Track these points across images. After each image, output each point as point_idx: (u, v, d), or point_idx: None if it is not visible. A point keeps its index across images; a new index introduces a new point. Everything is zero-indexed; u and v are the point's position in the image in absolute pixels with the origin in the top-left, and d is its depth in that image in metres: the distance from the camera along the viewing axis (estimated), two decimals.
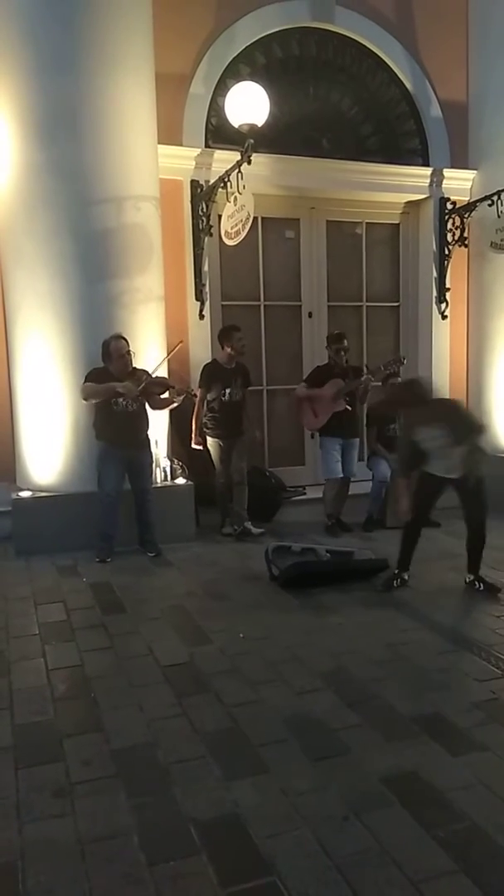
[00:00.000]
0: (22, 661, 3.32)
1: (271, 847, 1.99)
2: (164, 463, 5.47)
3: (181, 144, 5.86)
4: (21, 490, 5.31)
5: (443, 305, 6.87)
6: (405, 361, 5.97)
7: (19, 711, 2.82)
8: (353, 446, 5.82)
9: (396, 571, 4.38)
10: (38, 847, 2.03)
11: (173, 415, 5.57)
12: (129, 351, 4.90)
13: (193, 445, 5.64)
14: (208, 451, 5.65)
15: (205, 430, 5.61)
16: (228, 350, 5.49)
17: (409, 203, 6.88)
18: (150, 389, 4.94)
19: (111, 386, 4.79)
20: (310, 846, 2.00)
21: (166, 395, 5.08)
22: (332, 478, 5.72)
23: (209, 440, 5.61)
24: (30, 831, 2.09)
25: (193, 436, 5.62)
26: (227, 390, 5.48)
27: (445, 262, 6.80)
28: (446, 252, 6.78)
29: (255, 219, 5.35)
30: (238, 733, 2.62)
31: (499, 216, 6.10)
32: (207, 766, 2.41)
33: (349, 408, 5.62)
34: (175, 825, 2.10)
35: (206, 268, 6.01)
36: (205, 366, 5.65)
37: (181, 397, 5.15)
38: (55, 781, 2.33)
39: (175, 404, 5.17)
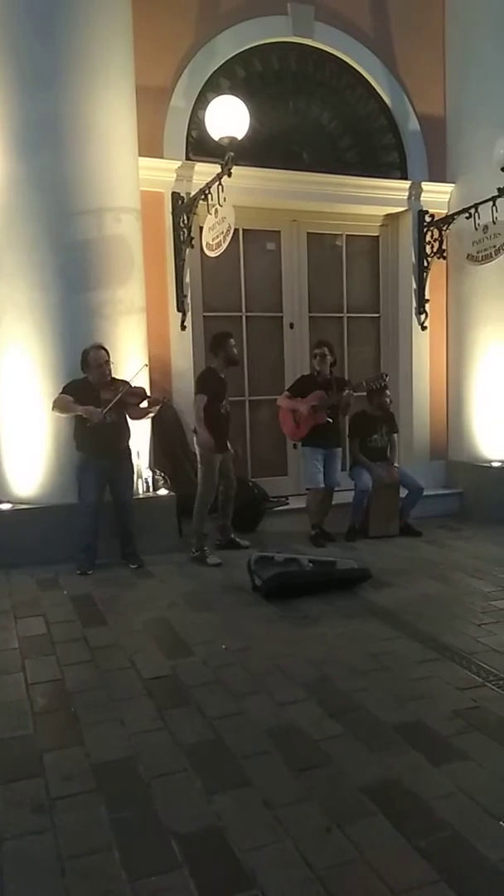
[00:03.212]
0: (1, 675, 3.28)
1: (253, 860, 1.98)
2: (147, 474, 5.46)
3: (162, 157, 5.88)
4: (1, 502, 5.27)
5: (422, 317, 6.94)
6: (387, 378, 6.01)
7: None
8: (335, 456, 5.80)
9: None
10: (17, 863, 2.00)
11: (155, 426, 5.56)
12: (108, 361, 4.90)
13: (230, 448, 5.32)
14: (191, 462, 5.58)
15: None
16: (234, 350, 5.31)
17: (388, 216, 6.96)
18: (127, 400, 4.94)
19: (75, 407, 4.78)
20: (292, 858, 1.99)
21: (144, 404, 5.07)
22: (314, 487, 5.71)
23: (206, 453, 5.19)
24: (9, 848, 2.06)
25: (225, 441, 5.23)
26: (222, 403, 5.26)
27: (424, 273, 6.88)
28: (425, 264, 6.86)
29: (236, 230, 5.38)
30: (220, 746, 2.61)
31: (476, 229, 6.19)
32: (189, 779, 2.39)
33: (330, 420, 5.61)
34: (156, 840, 2.08)
35: (187, 279, 6.02)
36: (205, 372, 5.32)
37: (157, 406, 5.14)
38: (35, 797, 2.30)
39: (152, 413, 5.17)
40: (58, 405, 4.85)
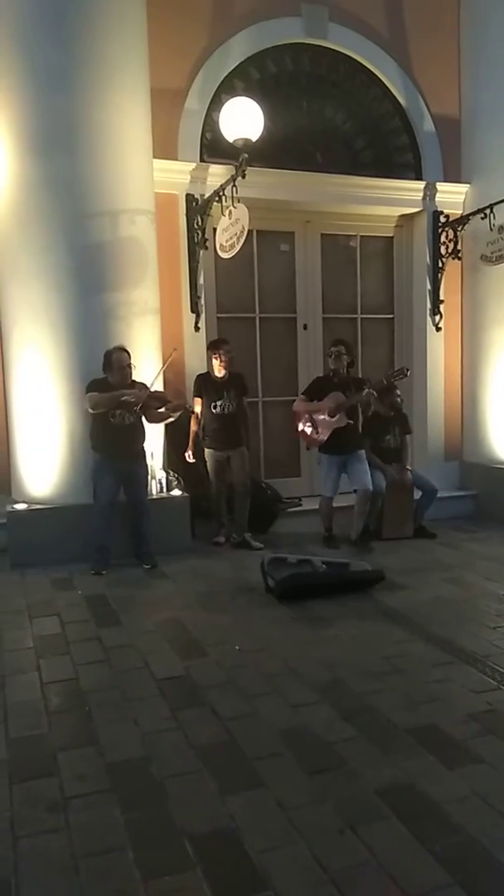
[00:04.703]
0: (16, 674, 3.30)
1: (267, 861, 1.98)
2: (160, 475, 5.47)
3: (176, 159, 5.90)
4: (16, 502, 5.31)
5: (437, 318, 6.90)
6: (408, 373, 5.77)
7: (13, 725, 2.80)
8: (358, 459, 5.58)
9: None
10: (31, 862, 2.01)
11: (169, 427, 5.57)
12: (130, 364, 4.92)
13: (187, 457, 5.65)
14: (205, 462, 5.67)
15: (202, 441, 5.63)
16: (214, 361, 5.54)
17: (402, 216, 6.94)
18: (148, 403, 4.96)
19: (117, 393, 4.80)
20: (305, 860, 1.99)
21: (163, 409, 5.09)
22: (325, 495, 5.66)
23: (206, 451, 5.63)
24: (24, 846, 2.08)
25: (189, 447, 5.63)
26: (219, 402, 5.50)
27: (439, 274, 6.85)
28: (440, 265, 6.83)
29: (249, 232, 5.38)
30: (233, 747, 2.61)
31: (491, 229, 6.16)
32: (202, 780, 2.39)
33: (351, 422, 5.46)
34: (170, 840, 2.09)
35: (201, 280, 6.04)
36: (197, 376, 5.71)
37: (178, 413, 5.18)
38: (49, 796, 2.32)
39: (171, 419, 5.19)
40: (95, 402, 4.83)
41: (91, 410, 4.91)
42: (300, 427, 5.69)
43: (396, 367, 6.96)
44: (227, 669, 3.30)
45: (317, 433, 5.53)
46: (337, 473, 5.58)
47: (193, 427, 5.62)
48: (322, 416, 5.47)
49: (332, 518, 5.74)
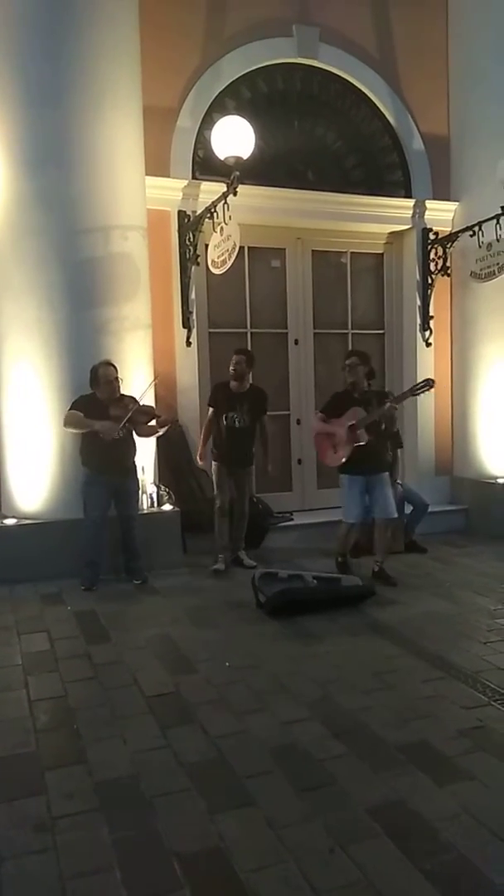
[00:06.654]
0: (4, 691, 3.27)
1: (256, 881, 1.96)
2: (151, 489, 5.46)
3: (168, 176, 5.95)
4: (6, 517, 5.28)
5: (427, 333, 6.96)
6: (434, 384, 5.10)
7: (0, 744, 2.77)
8: (381, 482, 5.06)
9: None
10: (17, 883, 1.98)
11: (161, 442, 5.58)
12: (116, 377, 4.93)
13: (197, 459, 5.64)
14: (196, 476, 5.66)
15: (211, 452, 5.53)
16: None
17: (392, 233, 7.01)
18: (137, 418, 4.95)
19: (90, 423, 4.79)
20: (295, 880, 1.97)
21: (153, 423, 5.09)
22: (346, 522, 5.17)
23: (213, 464, 5.48)
24: (10, 867, 2.05)
25: (200, 449, 5.61)
26: (231, 415, 5.37)
27: (429, 290, 6.91)
28: (429, 281, 6.90)
29: (241, 248, 5.42)
30: (223, 765, 2.59)
31: (479, 247, 6.22)
32: (192, 798, 2.37)
33: (371, 440, 4.94)
34: (158, 860, 2.06)
35: (193, 296, 6.07)
36: (213, 385, 5.68)
37: (165, 427, 5.17)
38: (36, 816, 2.29)
39: (160, 433, 5.19)
40: (69, 422, 4.86)
41: (64, 427, 4.91)
42: (318, 447, 5.33)
43: (387, 382, 7.01)
44: (217, 686, 3.28)
45: (335, 452, 5.08)
46: (359, 495, 5.08)
47: (206, 430, 5.53)
48: (340, 434, 5.01)
49: (348, 545, 5.28)
